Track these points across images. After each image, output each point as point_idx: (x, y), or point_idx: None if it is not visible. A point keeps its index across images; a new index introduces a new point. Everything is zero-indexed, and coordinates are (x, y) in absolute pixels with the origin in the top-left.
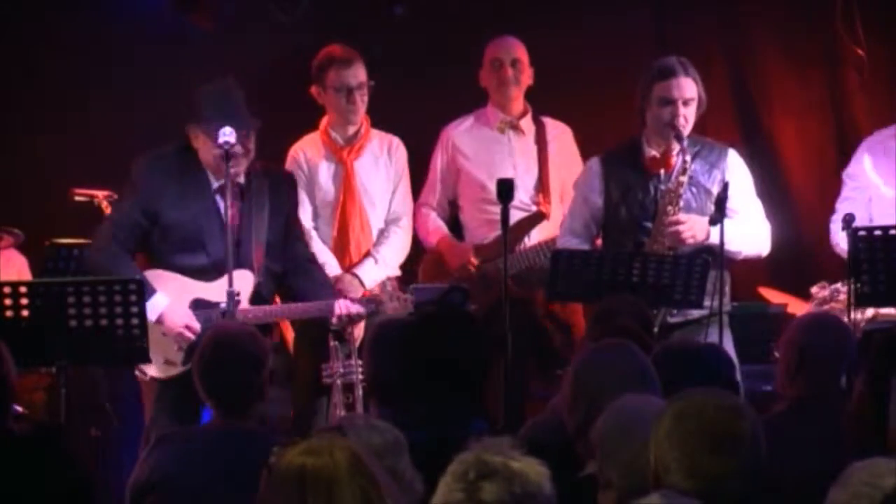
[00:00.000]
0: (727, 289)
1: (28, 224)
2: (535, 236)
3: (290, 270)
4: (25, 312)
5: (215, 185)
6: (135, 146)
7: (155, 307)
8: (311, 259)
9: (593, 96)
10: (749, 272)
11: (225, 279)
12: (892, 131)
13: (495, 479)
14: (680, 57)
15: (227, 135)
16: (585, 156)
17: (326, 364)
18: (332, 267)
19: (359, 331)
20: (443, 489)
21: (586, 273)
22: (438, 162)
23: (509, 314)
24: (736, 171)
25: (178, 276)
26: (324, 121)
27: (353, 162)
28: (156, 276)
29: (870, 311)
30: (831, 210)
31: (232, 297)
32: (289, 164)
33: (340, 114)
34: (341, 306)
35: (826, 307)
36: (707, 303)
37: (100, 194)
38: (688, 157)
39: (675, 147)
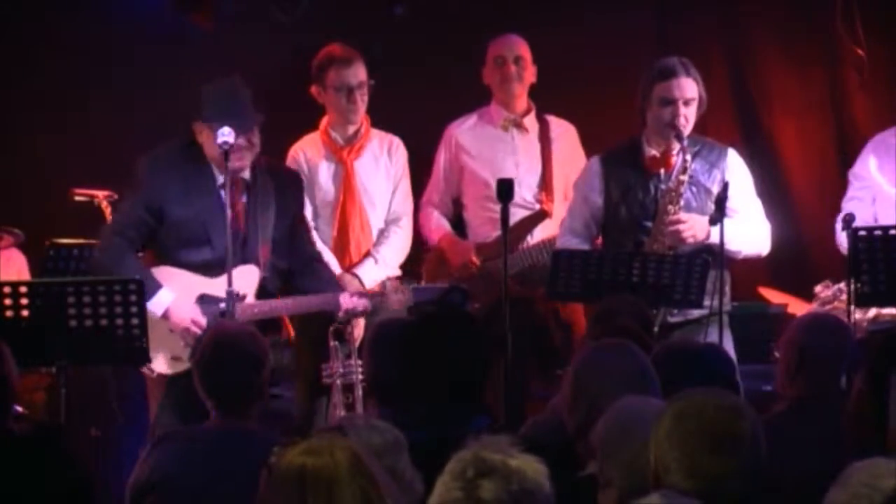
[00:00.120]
0: (727, 289)
1: (28, 224)
2: (538, 235)
3: (296, 269)
4: (25, 312)
5: (220, 179)
6: (135, 146)
7: (160, 302)
8: (318, 258)
9: (594, 95)
10: (749, 272)
11: (232, 274)
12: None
13: (493, 477)
14: (681, 57)
15: (226, 135)
16: (588, 154)
17: (326, 364)
18: (332, 267)
19: (359, 331)
20: (441, 487)
21: (586, 273)
22: (442, 160)
23: (510, 313)
24: (736, 170)
25: (184, 272)
26: (324, 121)
27: (353, 162)
28: (162, 273)
29: (872, 311)
30: (831, 210)
31: (232, 296)
32: (288, 164)
33: (341, 113)
34: (348, 300)
35: (829, 306)
36: (707, 303)
37: (100, 194)
38: (688, 157)
39: (675, 146)
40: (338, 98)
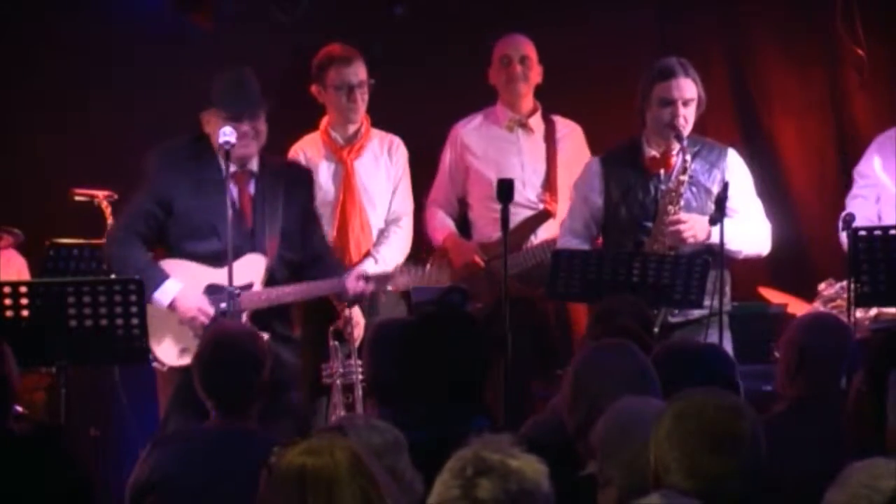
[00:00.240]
0: (727, 289)
1: (28, 224)
2: (542, 235)
3: (307, 262)
4: (25, 312)
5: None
6: (135, 146)
7: (167, 292)
8: (329, 251)
9: (594, 95)
10: (749, 272)
11: (238, 264)
12: None
13: (492, 475)
14: (680, 58)
15: (227, 135)
16: (592, 155)
17: (326, 364)
18: None
19: (359, 331)
20: (440, 485)
21: (586, 273)
22: (447, 159)
23: (512, 313)
24: (735, 170)
25: (192, 264)
26: (324, 120)
27: (353, 162)
28: (170, 265)
29: (873, 310)
30: (831, 210)
31: (232, 296)
32: None
33: (341, 112)
34: (353, 283)
35: (832, 304)
36: (707, 303)
37: (100, 194)
38: (688, 157)
39: (675, 147)
40: (338, 97)
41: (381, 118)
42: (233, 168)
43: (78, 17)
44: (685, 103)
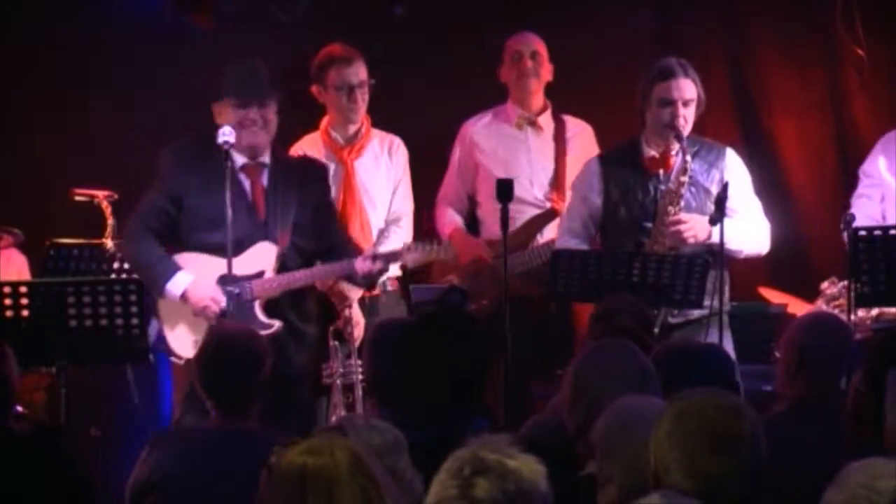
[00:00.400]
0: (727, 289)
1: (28, 224)
2: (549, 234)
3: (321, 252)
4: (25, 312)
5: (239, 163)
6: (135, 146)
7: (178, 283)
8: (344, 241)
9: (594, 95)
10: (749, 272)
11: (249, 253)
12: None
13: (489, 475)
14: (679, 58)
15: (226, 134)
16: None
17: (326, 364)
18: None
19: (359, 331)
20: (437, 485)
21: (586, 273)
22: (457, 157)
23: (513, 313)
24: (735, 170)
25: (203, 256)
26: (324, 121)
27: (353, 162)
28: (182, 258)
29: (875, 310)
30: (831, 210)
31: (232, 296)
32: None
33: (341, 112)
34: (362, 264)
35: (835, 303)
36: (707, 303)
37: (100, 194)
38: (688, 157)
39: (675, 147)
40: (338, 97)
41: (382, 118)
42: (244, 160)
43: (78, 17)
44: (685, 103)
